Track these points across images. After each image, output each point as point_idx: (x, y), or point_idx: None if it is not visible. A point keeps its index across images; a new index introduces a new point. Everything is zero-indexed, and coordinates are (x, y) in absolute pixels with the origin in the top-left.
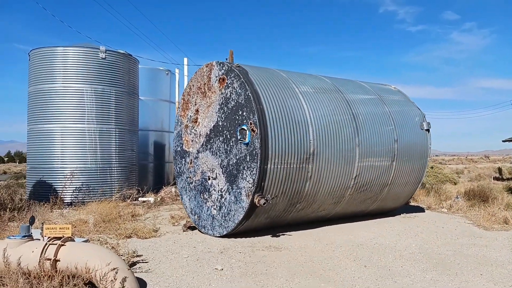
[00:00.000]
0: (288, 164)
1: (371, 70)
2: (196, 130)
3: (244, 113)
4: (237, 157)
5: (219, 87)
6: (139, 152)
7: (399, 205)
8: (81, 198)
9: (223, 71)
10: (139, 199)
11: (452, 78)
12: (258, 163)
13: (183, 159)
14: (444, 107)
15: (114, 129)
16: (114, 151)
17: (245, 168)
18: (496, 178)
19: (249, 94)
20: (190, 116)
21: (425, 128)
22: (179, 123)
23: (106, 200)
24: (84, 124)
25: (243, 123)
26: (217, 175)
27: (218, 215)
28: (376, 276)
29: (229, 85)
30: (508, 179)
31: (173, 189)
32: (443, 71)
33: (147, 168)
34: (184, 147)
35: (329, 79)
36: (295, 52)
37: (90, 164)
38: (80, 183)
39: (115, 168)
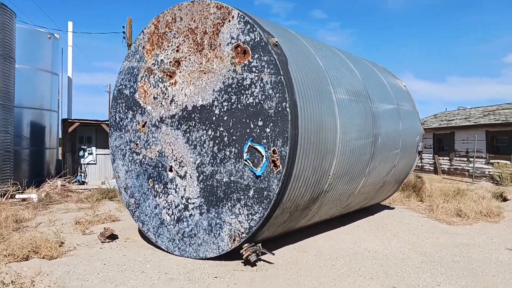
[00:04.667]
0: (296, 207)
1: None
2: (167, 90)
3: (267, 129)
4: (231, 179)
5: (233, 59)
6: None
7: None
8: None
9: (248, 37)
10: (17, 196)
11: None
12: (267, 211)
13: (130, 111)
14: None
15: None
16: None
17: (242, 204)
18: None
19: (287, 108)
20: (162, 61)
21: (419, 150)
22: (137, 55)
23: None
24: None
25: (260, 141)
26: (187, 175)
27: (171, 227)
28: None
29: (254, 69)
30: None
31: (59, 183)
32: None
33: (21, 155)
34: (137, 96)
35: (357, 68)
36: None
37: None
38: None
39: None
